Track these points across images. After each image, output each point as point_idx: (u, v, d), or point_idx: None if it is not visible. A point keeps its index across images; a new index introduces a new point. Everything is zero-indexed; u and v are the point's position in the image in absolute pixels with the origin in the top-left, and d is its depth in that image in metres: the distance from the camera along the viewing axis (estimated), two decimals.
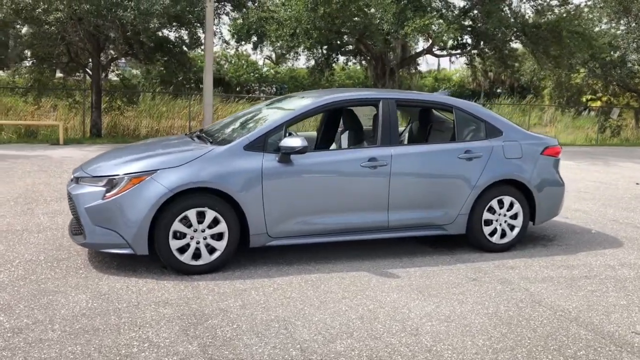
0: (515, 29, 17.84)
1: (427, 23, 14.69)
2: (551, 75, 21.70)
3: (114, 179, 4.79)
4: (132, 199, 4.70)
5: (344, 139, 6.44)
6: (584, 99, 27.05)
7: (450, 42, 18.14)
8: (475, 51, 19.87)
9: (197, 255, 4.89)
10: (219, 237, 4.94)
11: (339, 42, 18.05)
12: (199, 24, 17.05)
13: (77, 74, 18.96)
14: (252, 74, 34.86)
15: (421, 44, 22.48)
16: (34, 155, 12.68)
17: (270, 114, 5.64)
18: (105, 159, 5.33)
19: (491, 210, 5.83)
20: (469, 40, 19.37)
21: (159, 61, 18.49)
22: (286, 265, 5.25)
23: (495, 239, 5.86)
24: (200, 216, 4.86)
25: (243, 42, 17.73)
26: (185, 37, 18.36)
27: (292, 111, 5.35)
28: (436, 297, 4.58)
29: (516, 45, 20.29)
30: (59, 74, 19.80)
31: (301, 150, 4.98)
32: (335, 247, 5.77)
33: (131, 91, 19.73)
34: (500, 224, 5.87)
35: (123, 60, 22.17)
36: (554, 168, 6.16)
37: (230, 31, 19.10)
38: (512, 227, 5.93)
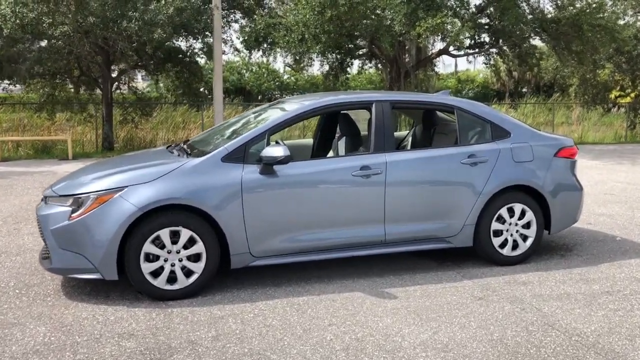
0: (533, 25, 17.16)
1: (440, 22, 14.14)
2: (575, 72, 20.85)
3: (80, 197, 4.41)
4: (99, 219, 4.30)
5: (341, 145, 5.99)
6: (612, 96, 26.08)
7: (467, 42, 17.52)
8: (494, 50, 19.21)
9: (172, 279, 4.47)
10: (196, 258, 4.52)
11: (351, 45, 17.60)
12: (209, 33, 16.76)
13: (87, 87, 18.78)
14: (272, 82, 34.70)
15: (437, 45, 21.96)
16: (38, 172, 12.47)
17: (254, 122, 5.20)
18: (75, 176, 4.96)
19: (500, 219, 5.29)
20: (487, 39, 18.73)
21: (170, 72, 18.25)
22: (273, 287, 4.80)
23: (506, 250, 5.33)
24: (175, 236, 4.45)
25: (252, 50, 17.38)
26: (197, 47, 18.12)
27: (275, 118, 4.91)
28: (435, 321, 4.07)
29: (537, 42, 19.57)
30: (72, 88, 19.69)
31: (283, 160, 4.53)
32: (330, 265, 5.29)
33: (144, 103, 19.54)
34: (512, 235, 5.34)
35: (142, 72, 22.03)
36: (570, 171, 5.60)
37: (238, 39, 18.80)
38: (524, 238, 5.38)
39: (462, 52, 19.31)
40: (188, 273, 4.50)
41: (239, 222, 4.55)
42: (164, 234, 4.39)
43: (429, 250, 5.41)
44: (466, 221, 5.19)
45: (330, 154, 6.25)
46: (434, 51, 20.11)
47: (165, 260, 4.44)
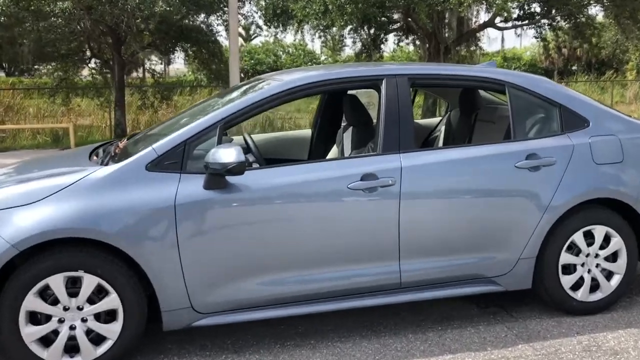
0: None
1: None
2: (639, 46, 18.49)
3: None
4: None
5: (347, 139, 4.37)
6: None
7: (515, 12, 15.48)
8: (546, 21, 17.03)
9: (73, 348, 2.96)
10: (108, 317, 2.99)
11: (383, 18, 15.75)
12: (226, 5, 15.23)
13: (101, 71, 17.60)
14: (309, 63, 33.16)
15: (482, 16, 19.84)
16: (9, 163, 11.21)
17: (209, 109, 3.58)
18: None
19: (573, 249, 3.59)
20: (537, 9, 16.58)
21: (187, 52, 16.86)
22: (231, 355, 3.23)
23: (581, 294, 3.62)
24: (74, 285, 2.93)
25: (272, 26, 15.72)
26: (217, 24, 16.68)
27: (234, 105, 3.30)
28: None
29: (595, 10, 17.32)
30: (86, 72, 18.61)
31: (235, 169, 2.94)
32: (320, 318, 3.65)
33: (162, 87, 18.26)
34: (590, 270, 3.62)
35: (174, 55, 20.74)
36: None
37: (256, 12, 17.17)
38: (609, 275, 3.66)
39: (509, 24, 17.20)
40: (97, 340, 2.99)
41: (172, 262, 3.00)
42: (56, 282, 2.89)
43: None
44: (522, 253, 3.50)
45: (334, 149, 4.62)
46: (477, 24, 18.04)
47: (61, 322, 2.93)
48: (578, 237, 3.58)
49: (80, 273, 2.91)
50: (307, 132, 5.01)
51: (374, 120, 4.28)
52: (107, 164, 3.16)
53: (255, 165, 3.52)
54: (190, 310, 3.08)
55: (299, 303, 3.24)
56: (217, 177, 3.00)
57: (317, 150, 4.81)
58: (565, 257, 3.58)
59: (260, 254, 3.13)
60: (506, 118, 4.00)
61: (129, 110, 18.41)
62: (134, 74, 18.36)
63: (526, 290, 3.63)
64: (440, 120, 5.05)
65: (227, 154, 2.92)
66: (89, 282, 2.92)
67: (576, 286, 3.62)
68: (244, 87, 3.89)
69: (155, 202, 2.97)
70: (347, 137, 4.40)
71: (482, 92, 4.51)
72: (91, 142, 16.01)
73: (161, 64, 20.17)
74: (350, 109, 4.29)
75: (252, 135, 4.38)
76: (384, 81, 3.45)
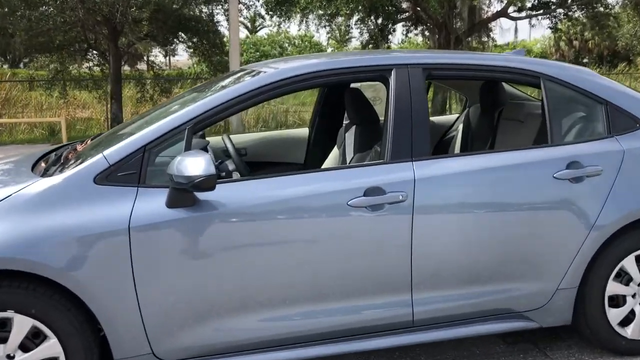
0: None
1: None
2: None
3: None
4: None
5: (350, 140, 3.75)
6: None
7: (529, 1, 14.78)
8: (562, 11, 16.29)
9: None
10: None
11: (391, 7, 15.05)
12: None
13: (99, 63, 17.06)
14: None
15: (494, 5, 19.09)
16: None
17: (180, 106, 2.94)
18: None
19: (622, 276, 2.97)
20: None
21: (186, 43, 16.26)
22: None
23: (631, 331, 2.99)
24: (2, 328, 2.33)
25: (274, 14, 15.05)
26: (217, 14, 16.05)
27: (214, 98, 2.67)
28: None
29: (613, 0, 16.55)
30: (84, 64, 18.05)
31: (204, 184, 2.31)
32: None
33: (162, 79, 17.70)
34: None
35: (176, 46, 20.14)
36: None
37: (258, 1, 16.49)
38: None
39: (523, 14, 16.48)
40: None
41: (126, 298, 2.39)
42: None
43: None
44: (561, 282, 2.87)
45: (335, 151, 4.00)
46: (489, 13, 17.31)
47: None
48: (629, 263, 2.94)
49: (8, 313, 2.30)
50: (304, 131, 4.38)
51: (381, 119, 3.67)
52: (51, 175, 2.54)
53: (235, 174, 2.91)
54: (152, 358, 2.48)
55: (286, 347, 2.62)
56: (183, 193, 2.38)
57: (314, 152, 4.20)
58: (612, 287, 2.94)
59: (236, 287, 2.52)
60: (536, 116, 3.37)
61: (128, 103, 17.89)
62: (138, 66, 17.75)
63: (566, 329, 3.00)
64: (457, 118, 4.41)
65: (193, 165, 2.29)
66: (21, 324, 2.32)
67: (626, 322, 2.99)
68: (231, 78, 3.26)
69: (104, 224, 2.35)
70: (349, 137, 3.78)
71: (505, 85, 3.89)
72: (88, 136, 15.49)
73: (165, 56, 19.62)
74: (352, 105, 3.67)
75: (240, 135, 3.77)
76: (393, 72, 2.81)
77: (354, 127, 3.73)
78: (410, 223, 2.64)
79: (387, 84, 2.83)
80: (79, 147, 3.10)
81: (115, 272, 2.37)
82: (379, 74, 2.85)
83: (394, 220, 2.63)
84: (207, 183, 2.29)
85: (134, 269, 2.37)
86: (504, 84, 3.78)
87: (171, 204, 2.40)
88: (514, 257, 2.82)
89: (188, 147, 2.48)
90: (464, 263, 2.76)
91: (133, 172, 2.44)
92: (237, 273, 2.50)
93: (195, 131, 2.57)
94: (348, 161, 3.66)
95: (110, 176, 2.43)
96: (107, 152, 2.47)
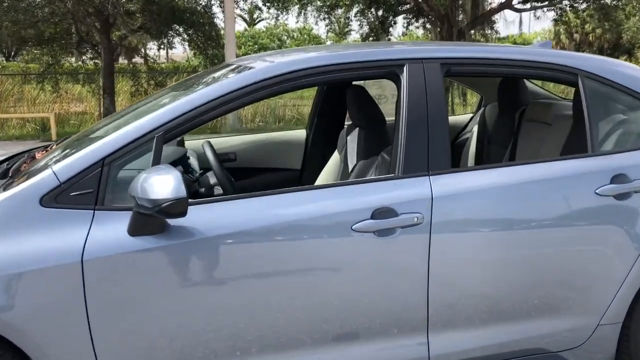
0: None
1: None
2: None
3: None
4: None
5: (352, 143, 3.30)
6: None
7: None
8: (567, 2, 15.86)
9: None
10: None
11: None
12: None
13: (92, 56, 16.66)
14: None
15: None
16: None
17: (151, 110, 2.48)
18: None
19: None
20: None
21: (181, 36, 15.82)
22: None
23: None
24: None
25: (271, 6, 14.57)
26: (212, 5, 15.58)
27: (191, 99, 2.21)
28: None
29: None
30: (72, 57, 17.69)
31: (173, 209, 1.85)
32: None
33: (157, 73, 17.29)
34: None
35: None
36: None
37: None
38: None
39: (527, 6, 16.07)
40: None
41: (79, 348, 1.94)
42: None
43: None
44: (603, 317, 2.43)
45: (335, 156, 3.54)
46: (493, 5, 16.90)
47: None
48: None
49: None
50: (301, 133, 3.93)
51: (388, 119, 3.23)
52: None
53: (217, 189, 2.46)
54: None
55: None
56: (148, 218, 1.93)
57: (313, 156, 3.76)
58: None
59: (215, 330, 2.07)
60: (566, 119, 2.92)
61: (123, 97, 17.46)
62: (134, 60, 17.32)
63: None
64: (471, 119, 3.97)
65: (160, 185, 1.84)
66: None
67: None
68: (216, 74, 2.79)
69: (50, 257, 1.90)
70: (351, 141, 3.34)
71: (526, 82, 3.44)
72: (83, 130, 15.09)
73: (163, 48, 19.18)
74: (355, 104, 3.22)
75: (230, 137, 3.32)
76: (405, 68, 2.35)
77: (356, 130, 3.29)
78: (427, 251, 2.19)
79: (398, 82, 2.38)
80: (38, 156, 2.64)
81: (65, 316, 1.92)
82: (389, 69, 2.38)
83: (407, 248, 2.18)
84: (177, 208, 1.84)
85: (88, 311, 1.93)
86: (525, 80, 3.34)
87: (134, 231, 1.94)
88: (548, 289, 2.38)
89: (157, 160, 2.03)
90: (489, 297, 2.32)
91: (89, 191, 1.99)
92: (215, 314, 2.06)
93: (166, 140, 2.12)
94: (350, 168, 3.21)
95: (60, 196, 1.97)
96: (57, 166, 2.01)
